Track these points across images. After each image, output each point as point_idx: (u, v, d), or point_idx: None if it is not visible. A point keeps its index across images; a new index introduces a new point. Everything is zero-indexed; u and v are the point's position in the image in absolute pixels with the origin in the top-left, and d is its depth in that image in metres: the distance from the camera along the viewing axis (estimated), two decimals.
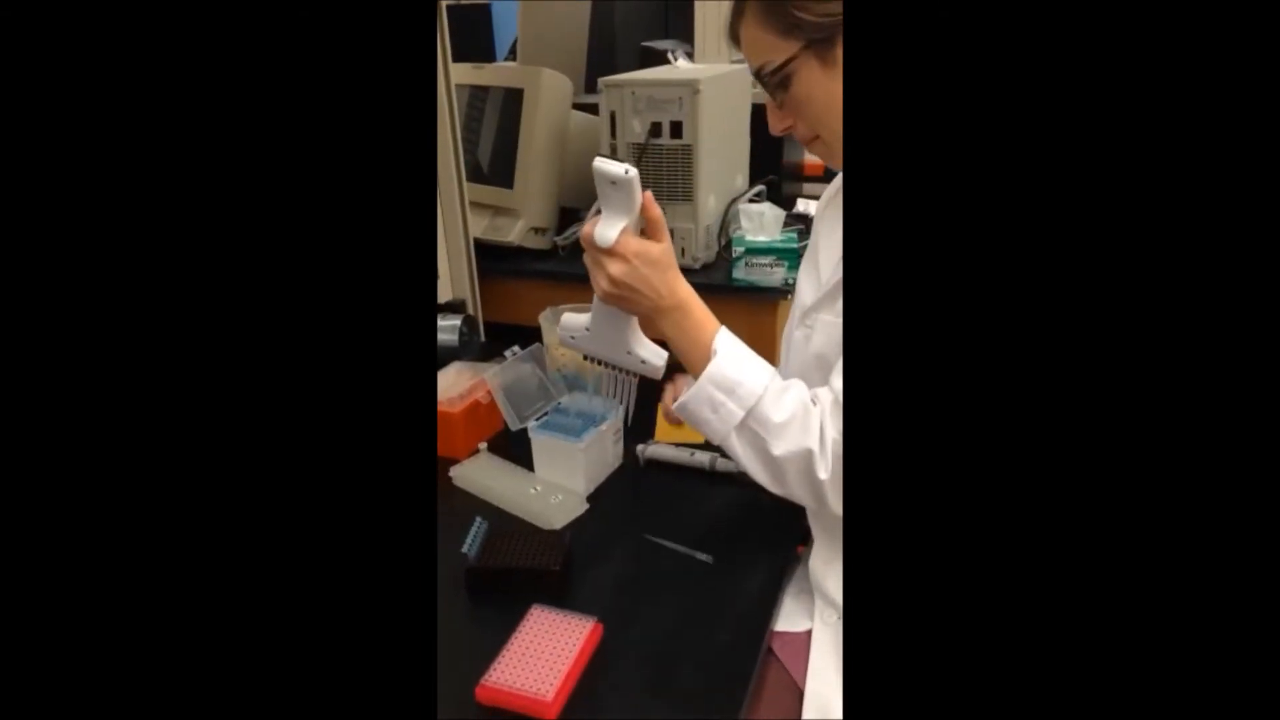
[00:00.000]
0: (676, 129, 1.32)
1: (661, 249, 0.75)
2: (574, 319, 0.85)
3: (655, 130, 1.33)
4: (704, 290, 1.36)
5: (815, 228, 0.95)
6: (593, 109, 1.45)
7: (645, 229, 0.76)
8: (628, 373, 0.85)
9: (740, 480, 1.05)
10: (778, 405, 0.73)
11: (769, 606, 0.86)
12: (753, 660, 0.78)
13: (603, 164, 0.71)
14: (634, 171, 0.71)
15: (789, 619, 0.88)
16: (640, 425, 1.11)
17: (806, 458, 0.71)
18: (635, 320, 0.81)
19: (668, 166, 1.36)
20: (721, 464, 1.07)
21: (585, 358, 0.87)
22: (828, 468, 0.70)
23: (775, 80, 0.74)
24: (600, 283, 0.76)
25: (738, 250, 1.34)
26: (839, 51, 0.70)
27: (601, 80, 1.36)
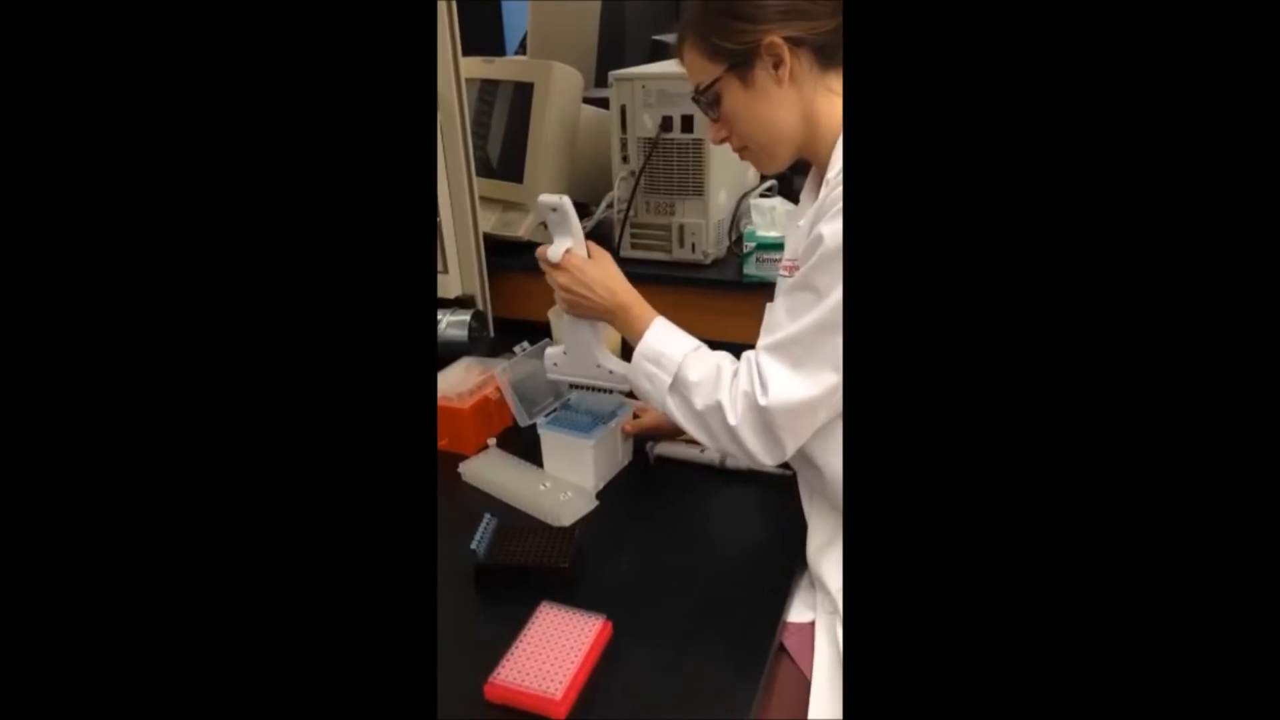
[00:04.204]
0: (688, 123, 1.31)
1: (599, 262, 0.92)
2: (554, 350, 1.02)
3: (666, 124, 1.32)
4: (714, 286, 1.37)
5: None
6: (603, 103, 1.44)
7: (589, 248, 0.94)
8: (605, 390, 1.02)
9: (750, 476, 1.05)
10: (696, 367, 0.84)
11: (779, 602, 0.85)
12: (763, 656, 0.78)
13: (543, 197, 0.91)
14: (566, 199, 0.90)
15: (797, 610, 0.89)
16: None
17: (719, 408, 0.80)
18: (601, 337, 0.98)
19: (679, 161, 1.35)
20: (731, 460, 1.06)
21: (570, 386, 1.09)
22: (737, 414, 0.80)
23: (707, 98, 0.85)
24: (558, 292, 0.94)
25: (748, 245, 1.33)
26: (757, 73, 0.81)
27: (612, 74, 1.35)
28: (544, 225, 0.95)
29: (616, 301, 0.91)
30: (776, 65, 0.80)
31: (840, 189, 0.74)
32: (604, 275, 0.92)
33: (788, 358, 0.77)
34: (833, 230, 0.73)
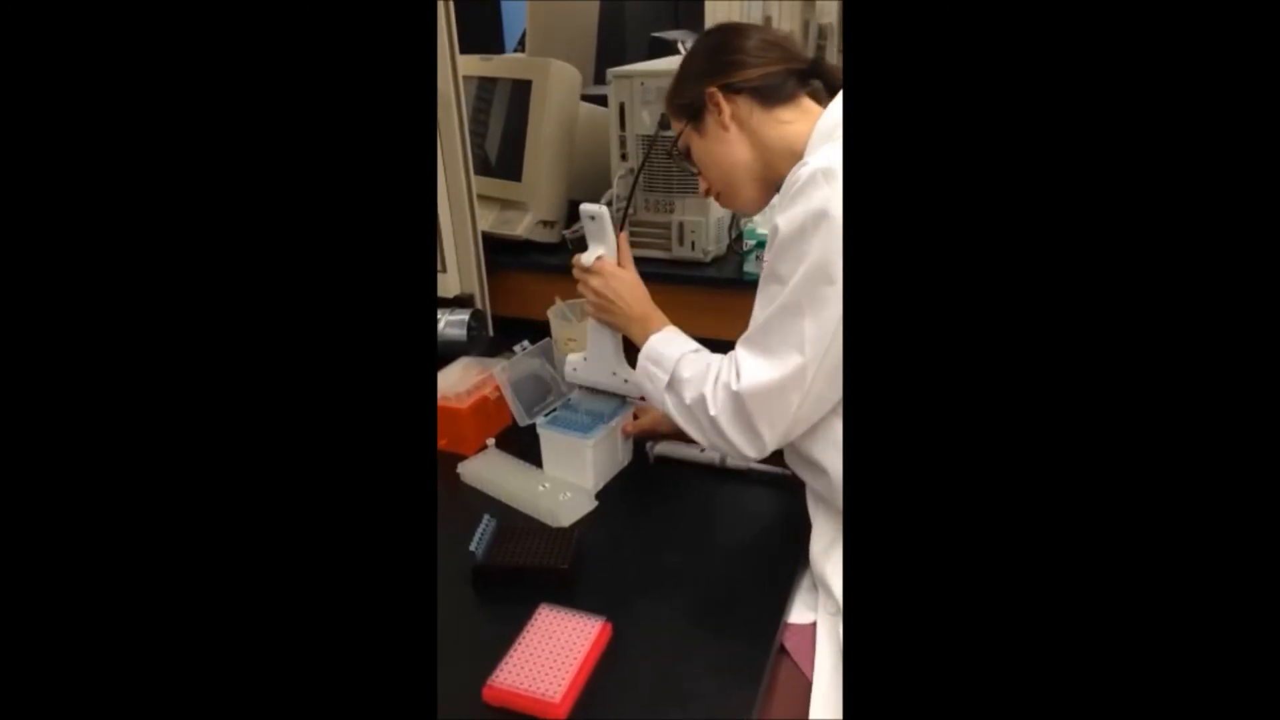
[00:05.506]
0: None
1: (630, 273, 0.99)
2: (575, 357, 1.09)
3: (665, 121, 1.32)
4: (714, 284, 1.36)
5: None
6: (602, 100, 1.43)
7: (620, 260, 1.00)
8: (617, 396, 1.08)
9: (750, 476, 1.05)
10: (690, 365, 0.89)
11: (780, 603, 0.85)
12: (764, 658, 0.77)
13: (584, 206, 0.98)
14: (605, 210, 0.97)
15: (798, 611, 0.88)
16: None
17: (702, 400, 0.85)
18: (620, 347, 1.03)
19: (678, 158, 1.34)
20: (731, 460, 1.06)
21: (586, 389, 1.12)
22: (716, 405, 0.84)
23: (681, 151, 1.00)
24: (588, 296, 1.00)
25: (748, 243, 1.33)
26: (706, 121, 0.94)
27: (610, 71, 1.35)
28: (568, 233, 0.97)
29: (640, 311, 0.96)
30: (720, 112, 0.92)
31: (792, 180, 0.79)
32: (633, 285, 0.98)
33: (759, 346, 0.81)
34: (787, 218, 0.78)
